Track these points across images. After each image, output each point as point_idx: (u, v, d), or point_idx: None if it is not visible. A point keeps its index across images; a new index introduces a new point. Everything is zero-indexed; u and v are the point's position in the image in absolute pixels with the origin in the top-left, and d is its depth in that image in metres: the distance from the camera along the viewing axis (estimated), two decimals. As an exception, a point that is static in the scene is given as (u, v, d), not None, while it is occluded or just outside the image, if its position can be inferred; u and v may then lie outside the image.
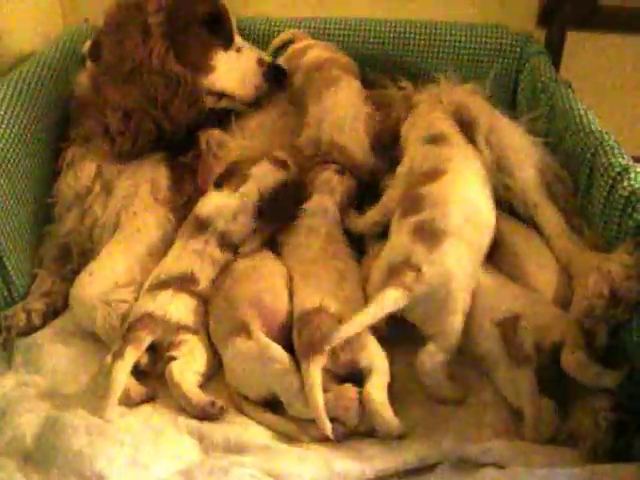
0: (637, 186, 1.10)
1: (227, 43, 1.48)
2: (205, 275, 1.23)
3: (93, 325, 1.21)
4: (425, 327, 1.11)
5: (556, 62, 1.70)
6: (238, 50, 1.49)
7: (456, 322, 1.09)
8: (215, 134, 1.46)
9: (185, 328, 1.15)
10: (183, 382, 1.08)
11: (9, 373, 1.18)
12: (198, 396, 1.07)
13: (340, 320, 1.07)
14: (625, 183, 1.12)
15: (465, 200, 1.18)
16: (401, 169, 1.32)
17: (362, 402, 1.03)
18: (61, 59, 1.55)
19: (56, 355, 1.20)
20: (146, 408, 1.08)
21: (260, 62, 1.49)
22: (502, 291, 1.14)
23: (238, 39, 1.52)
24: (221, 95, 1.48)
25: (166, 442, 1.01)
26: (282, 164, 1.37)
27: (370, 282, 1.17)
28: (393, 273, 1.09)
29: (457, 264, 1.10)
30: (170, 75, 1.37)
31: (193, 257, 1.24)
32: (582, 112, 1.35)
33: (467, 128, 1.35)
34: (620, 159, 1.17)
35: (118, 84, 1.35)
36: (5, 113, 1.31)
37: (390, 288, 1.06)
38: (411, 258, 1.09)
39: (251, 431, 1.04)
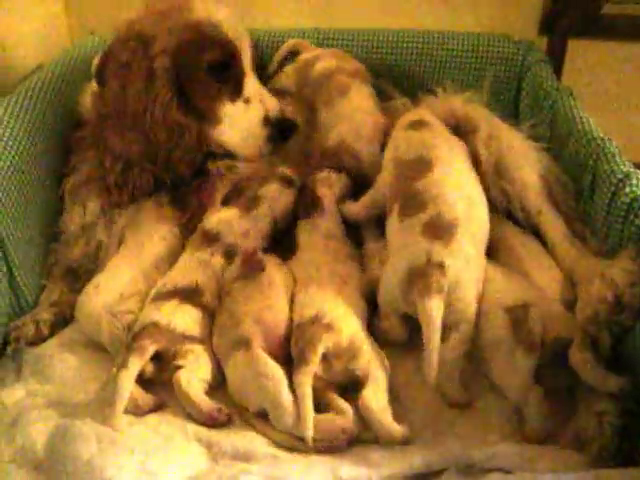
0: (639, 192, 1.11)
1: (235, 93, 1.41)
2: (210, 287, 1.23)
3: (99, 336, 1.22)
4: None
5: (558, 70, 1.72)
6: (246, 102, 1.41)
7: (471, 311, 1.10)
8: (225, 162, 1.45)
9: (190, 338, 1.15)
10: (190, 389, 1.08)
11: (18, 383, 1.18)
12: (205, 403, 1.08)
13: (334, 328, 1.08)
14: (627, 189, 1.13)
15: (462, 190, 1.20)
16: (387, 154, 1.35)
17: (360, 410, 1.03)
18: (67, 72, 1.57)
19: (65, 365, 1.21)
20: (155, 417, 1.09)
21: (266, 121, 1.41)
22: (511, 281, 1.16)
23: (249, 86, 1.42)
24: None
25: (175, 450, 1.01)
26: (289, 182, 1.39)
27: (385, 288, 1.16)
28: (417, 277, 1.09)
29: (470, 246, 1.13)
30: (173, 126, 1.34)
31: (199, 269, 1.25)
32: (584, 119, 1.36)
33: (466, 136, 1.36)
34: (622, 166, 1.18)
35: (120, 130, 1.34)
36: (14, 126, 1.33)
37: (429, 301, 1.05)
38: (432, 257, 1.09)
39: (259, 439, 1.04)
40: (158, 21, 1.34)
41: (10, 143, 1.30)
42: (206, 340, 1.17)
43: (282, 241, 1.35)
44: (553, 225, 1.27)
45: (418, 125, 1.33)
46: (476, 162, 1.32)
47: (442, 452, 0.99)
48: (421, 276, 1.08)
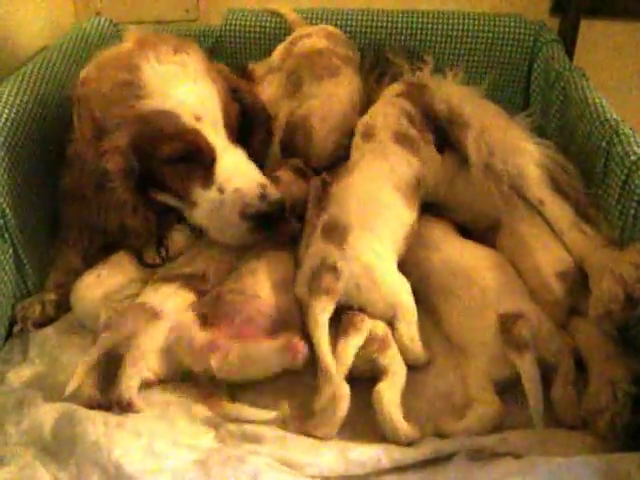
0: (654, 175, 1.10)
1: (206, 180, 1.21)
2: (217, 276, 1.22)
3: (95, 323, 1.20)
4: (378, 313, 1.13)
5: (570, 50, 1.70)
6: (220, 191, 1.20)
7: (403, 300, 1.13)
8: None
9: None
10: (127, 374, 1.07)
11: (25, 364, 1.18)
12: (127, 386, 1.06)
13: None
14: (641, 172, 1.11)
15: (363, 193, 1.20)
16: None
17: (372, 402, 1.02)
18: (72, 54, 1.55)
19: (71, 348, 1.20)
20: (160, 400, 1.08)
21: (242, 214, 1.19)
22: (510, 288, 1.15)
23: (222, 171, 1.20)
24: None
25: (181, 432, 1.01)
26: (302, 173, 1.39)
27: (297, 287, 1.16)
28: (314, 279, 1.11)
29: (369, 252, 1.13)
30: (129, 229, 1.24)
31: (208, 260, 1.24)
32: (596, 100, 1.34)
33: (458, 130, 1.36)
34: (636, 147, 1.16)
35: (76, 204, 1.25)
36: (19, 107, 1.31)
37: (312, 301, 1.09)
38: (327, 260, 1.12)
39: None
40: (108, 104, 1.18)
41: (14, 123, 1.29)
42: None
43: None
44: (558, 213, 1.25)
45: (365, 136, 1.34)
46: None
47: (451, 439, 0.99)
48: (314, 279, 1.11)
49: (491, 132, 1.32)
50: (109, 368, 1.10)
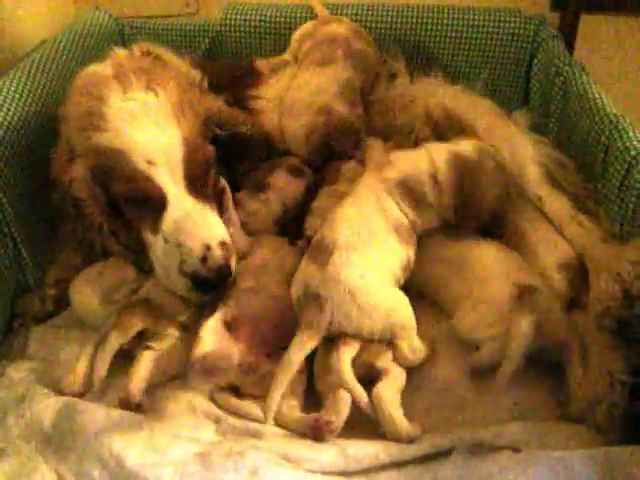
0: (653, 170, 1.10)
1: (154, 227, 1.16)
2: None
3: (94, 320, 1.21)
4: (374, 337, 1.09)
5: (570, 45, 1.69)
6: (165, 241, 1.14)
7: (398, 318, 1.08)
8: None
9: (175, 323, 1.14)
10: (137, 371, 1.07)
11: (25, 359, 1.19)
12: (134, 383, 1.06)
13: None
14: (641, 166, 1.11)
15: (353, 218, 1.15)
16: None
17: (373, 400, 1.02)
18: (72, 47, 1.55)
19: (70, 344, 1.20)
20: (161, 395, 1.09)
21: (182, 271, 1.13)
22: (522, 266, 1.16)
23: (169, 221, 1.14)
24: None
25: (182, 426, 1.02)
26: (299, 172, 1.39)
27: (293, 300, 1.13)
28: (300, 309, 1.09)
29: (351, 272, 1.07)
30: (111, 250, 1.24)
31: None
32: (596, 95, 1.34)
33: (459, 131, 1.35)
34: (636, 142, 1.16)
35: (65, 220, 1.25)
36: (19, 101, 1.31)
37: (299, 334, 1.05)
38: (309, 286, 1.08)
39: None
40: (77, 130, 1.17)
41: (14, 117, 1.29)
42: (190, 327, 1.15)
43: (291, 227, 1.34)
44: (556, 209, 1.26)
45: (381, 165, 1.24)
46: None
47: (449, 433, 0.99)
48: (299, 308, 1.08)
49: (490, 130, 1.33)
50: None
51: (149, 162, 1.13)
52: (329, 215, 1.18)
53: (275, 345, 1.09)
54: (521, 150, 1.30)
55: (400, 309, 1.10)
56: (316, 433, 1.00)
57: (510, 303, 1.07)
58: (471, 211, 1.21)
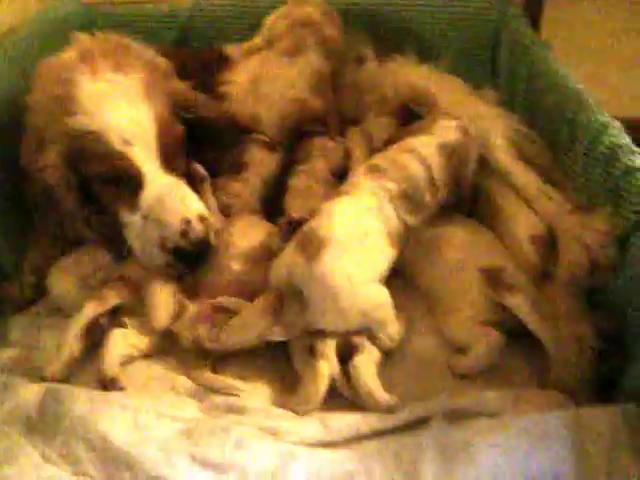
0: (616, 142, 1.13)
1: (131, 205, 1.17)
2: None
3: (71, 306, 1.20)
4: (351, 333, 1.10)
5: (535, 24, 1.71)
6: (144, 218, 1.16)
7: (379, 316, 1.10)
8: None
9: None
10: (110, 350, 1.09)
11: (7, 347, 1.19)
12: (106, 359, 1.08)
13: None
14: (605, 139, 1.15)
15: (350, 216, 1.14)
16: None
17: (350, 373, 1.05)
18: (40, 35, 1.54)
19: (50, 331, 1.20)
20: (143, 374, 1.11)
21: (161, 247, 1.15)
22: (488, 247, 1.20)
23: (148, 198, 1.16)
24: None
25: (166, 404, 1.03)
26: (272, 147, 1.40)
27: (273, 274, 1.13)
28: (279, 302, 1.07)
29: (340, 273, 1.06)
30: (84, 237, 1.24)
31: None
32: (561, 72, 1.37)
33: (425, 108, 1.38)
34: (599, 116, 1.19)
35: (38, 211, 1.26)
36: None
37: (276, 328, 1.06)
38: (293, 278, 1.06)
39: (250, 395, 1.07)
40: (45, 117, 1.17)
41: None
42: None
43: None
44: (524, 182, 1.29)
45: (372, 170, 1.23)
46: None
47: (427, 402, 1.01)
48: (279, 301, 1.07)
49: (457, 107, 1.35)
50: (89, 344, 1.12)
51: (125, 141, 1.14)
52: (324, 205, 1.16)
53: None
54: (487, 125, 1.33)
55: (380, 306, 1.10)
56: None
57: (480, 290, 1.11)
58: (464, 195, 1.27)
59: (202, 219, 1.17)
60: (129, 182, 1.15)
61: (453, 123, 1.28)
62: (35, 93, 1.20)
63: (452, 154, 1.24)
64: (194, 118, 1.30)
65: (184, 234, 1.14)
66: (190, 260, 1.16)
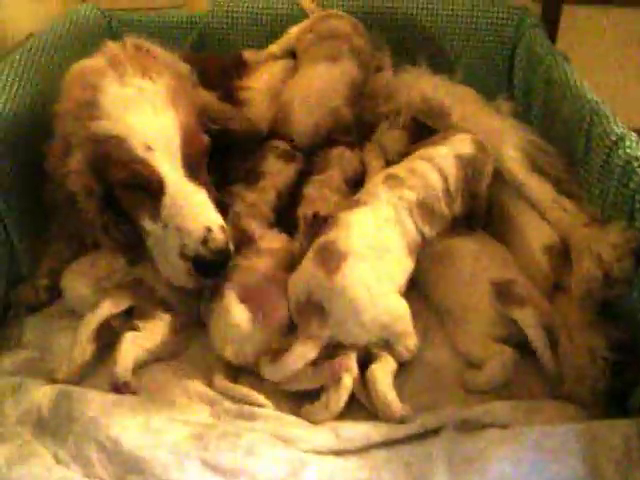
0: (633, 154, 1.12)
1: (153, 213, 1.15)
2: None
3: (85, 309, 1.20)
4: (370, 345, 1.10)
5: (552, 35, 1.72)
6: (164, 227, 1.14)
7: (399, 329, 1.09)
8: None
9: (164, 305, 1.17)
10: (123, 353, 1.09)
11: (20, 349, 1.20)
12: (119, 362, 1.08)
13: None
14: (621, 151, 1.14)
15: (369, 228, 1.14)
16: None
17: (366, 381, 1.05)
18: (58, 42, 1.55)
19: (65, 331, 1.21)
20: (155, 379, 1.11)
21: (183, 255, 1.12)
22: (499, 260, 1.20)
23: (168, 207, 1.14)
24: None
25: (178, 408, 1.04)
26: (291, 157, 1.40)
27: (291, 290, 1.13)
28: (301, 316, 1.08)
29: (361, 286, 1.06)
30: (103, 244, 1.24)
31: None
32: (578, 83, 1.37)
33: (438, 119, 1.39)
34: (616, 127, 1.19)
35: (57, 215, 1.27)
36: (8, 95, 1.32)
37: (297, 344, 1.05)
38: (313, 293, 1.06)
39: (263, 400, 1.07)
40: (72, 122, 1.17)
41: (3, 111, 1.29)
42: (180, 308, 1.18)
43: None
44: (538, 194, 1.28)
45: (390, 179, 1.23)
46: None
47: (438, 412, 1.01)
48: (300, 315, 1.08)
49: (470, 119, 1.35)
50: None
51: (147, 147, 1.13)
52: (342, 215, 1.16)
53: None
54: (501, 137, 1.33)
55: (399, 318, 1.10)
56: (334, 375, 1.04)
57: (491, 304, 1.11)
58: (478, 209, 1.27)
59: (223, 229, 1.16)
60: (150, 188, 1.14)
61: (468, 137, 1.28)
62: (63, 100, 1.20)
63: (467, 166, 1.24)
64: (220, 129, 1.30)
65: (205, 242, 1.12)
66: (210, 270, 1.14)
